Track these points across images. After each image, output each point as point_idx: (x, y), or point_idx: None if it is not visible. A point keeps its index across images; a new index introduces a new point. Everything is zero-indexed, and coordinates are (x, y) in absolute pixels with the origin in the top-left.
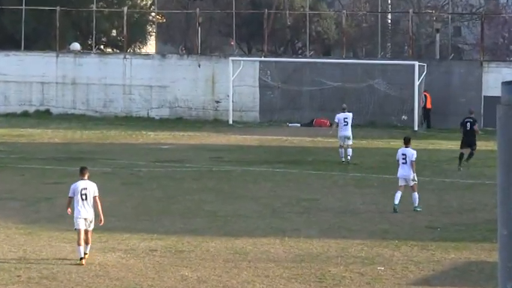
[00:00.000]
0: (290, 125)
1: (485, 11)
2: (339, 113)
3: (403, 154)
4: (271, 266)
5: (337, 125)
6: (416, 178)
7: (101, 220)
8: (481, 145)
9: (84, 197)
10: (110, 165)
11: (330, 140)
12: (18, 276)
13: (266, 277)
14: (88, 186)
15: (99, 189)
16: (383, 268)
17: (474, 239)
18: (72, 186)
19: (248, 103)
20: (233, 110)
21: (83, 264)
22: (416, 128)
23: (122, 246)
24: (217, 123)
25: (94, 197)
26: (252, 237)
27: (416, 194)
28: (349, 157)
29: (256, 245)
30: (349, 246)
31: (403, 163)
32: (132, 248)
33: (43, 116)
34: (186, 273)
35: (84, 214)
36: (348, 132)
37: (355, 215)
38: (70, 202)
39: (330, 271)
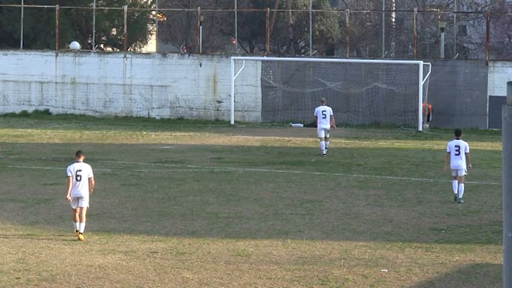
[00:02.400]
0: (293, 125)
1: (490, 10)
2: (317, 106)
3: (456, 146)
4: (273, 268)
5: (316, 118)
6: (467, 170)
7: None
8: (486, 146)
9: (78, 177)
10: (110, 166)
11: (333, 140)
12: (17, 278)
13: (268, 279)
14: (83, 168)
15: (99, 190)
16: (387, 270)
17: (479, 241)
18: (69, 167)
19: (250, 103)
20: (235, 110)
21: (78, 235)
22: (420, 128)
23: (122, 248)
24: (219, 124)
25: (89, 178)
26: (254, 239)
27: (463, 186)
28: (324, 151)
29: (259, 247)
30: (353, 248)
31: (456, 154)
32: (133, 250)
33: (42, 116)
34: (187, 276)
35: (78, 193)
36: (327, 125)
37: (359, 216)
38: (70, 181)
39: (333, 273)
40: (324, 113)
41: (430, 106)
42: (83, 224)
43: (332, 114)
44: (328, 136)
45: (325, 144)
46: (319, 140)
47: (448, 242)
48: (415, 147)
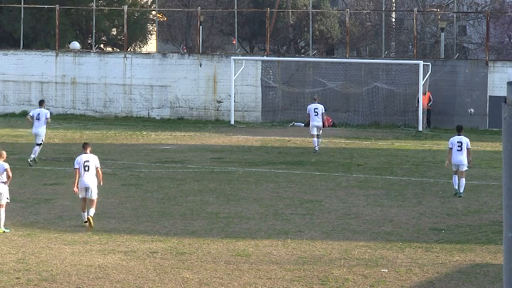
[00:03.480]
0: (295, 124)
1: (490, 10)
2: (309, 104)
3: (458, 142)
4: (273, 268)
5: (309, 116)
6: (468, 165)
7: (100, 182)
8: (486, 146)
9: (86, 168)
10: (110, 166)
11: (333, 140)
12: (17, 278)
13: (268, 279)
14: (90, 159)
15: (99, 190)
16: (387, 270)
17: (479, 241)
18: (77, 159)
19: (250, 103)
20: (235, 110)
21: (87, 225)
22: (420, 129)
23: (122, 248)
24: (219, 124)
25: (96, 168)
26: (254, 239)
27: (464, 180)
28: (317, 147)
29: (259, 247)
30: (353, 248)
31: (458, 150)
32: (133, 250)
33: None
34: (187, 276)
35: (87, 184)
36: (319, 122)
37: (359, 216)
38: (77, 173)
39: (333, 273)
40: (316, 110)
41: (428, 93)
42: (93, 209)
43: (324, 111)
44: (320, 134)
45: (318, 142)
46: (311, 137)
47: (448, 242)
48: (415, 147)
